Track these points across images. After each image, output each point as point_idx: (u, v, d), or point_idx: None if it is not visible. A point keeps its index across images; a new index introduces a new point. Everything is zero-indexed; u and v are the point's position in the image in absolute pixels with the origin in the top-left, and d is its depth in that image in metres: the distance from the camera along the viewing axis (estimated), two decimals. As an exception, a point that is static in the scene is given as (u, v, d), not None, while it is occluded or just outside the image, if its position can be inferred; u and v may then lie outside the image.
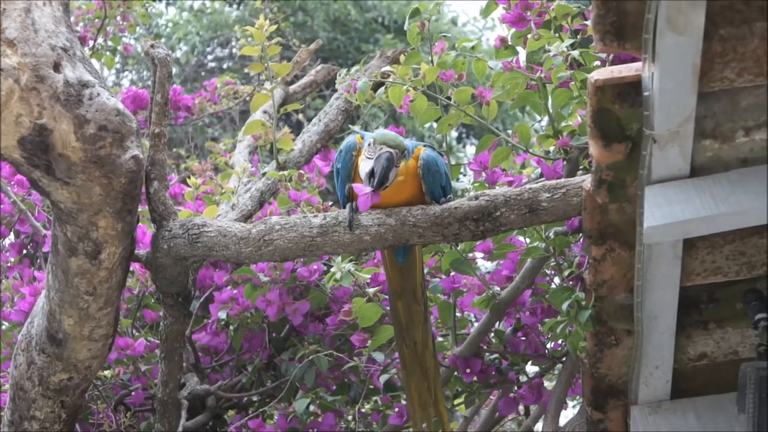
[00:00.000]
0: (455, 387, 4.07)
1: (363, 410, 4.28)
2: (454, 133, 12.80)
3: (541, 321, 3.84)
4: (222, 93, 6.66)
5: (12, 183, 4.92)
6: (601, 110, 2.77)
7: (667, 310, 3.06)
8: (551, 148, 3.65)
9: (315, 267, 4.20)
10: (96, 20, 6.54)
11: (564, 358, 3.95)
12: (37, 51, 3.17)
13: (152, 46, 3.72)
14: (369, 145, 3.33)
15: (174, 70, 3.78)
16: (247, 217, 4.18)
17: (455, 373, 3.98)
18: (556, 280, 3.79)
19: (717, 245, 2.96)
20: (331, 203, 4.41)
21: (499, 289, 3.82)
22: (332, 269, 3.83)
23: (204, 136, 11.14)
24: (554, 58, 3.48)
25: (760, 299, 3.00)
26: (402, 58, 3.81)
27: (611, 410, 3.42)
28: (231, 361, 4.51)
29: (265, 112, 4.77)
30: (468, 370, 3.94)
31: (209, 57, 13.43)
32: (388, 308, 3.90)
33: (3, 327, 4.62)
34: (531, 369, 4.12)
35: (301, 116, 7.81)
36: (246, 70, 7.17)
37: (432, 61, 3.64)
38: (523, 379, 4.05)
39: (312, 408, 4.19)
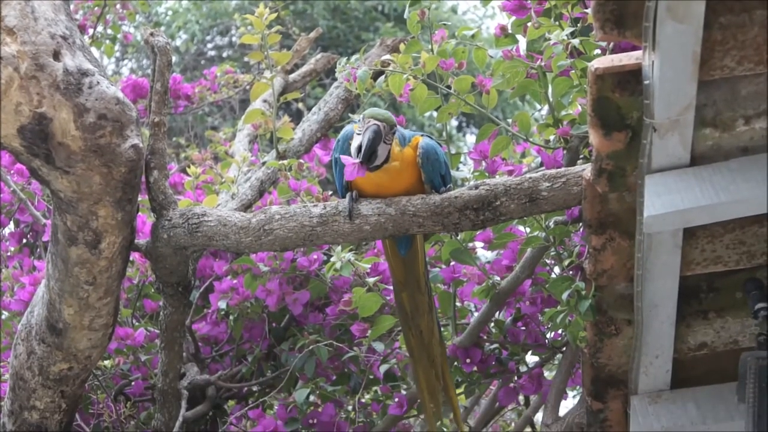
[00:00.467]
0: (455, 377, 4.07)
1: (363, 400, 4.29)
2: (454, 122, 12.79)
3: (541, 311, 3.84)
4: (222, 82, 6.65)
5: (12, 172, 4.91)
6: (601, 99, 2.76)
7: (667, 299, 3.06)
8: (551, 137, 3.64)
9: (315, 257, 4.20)
10: (95, 8, 6.53)
11: (564, 348, 3.95)
12: (36, 39, 3.16)
13: (152, 34, 3.71)
14: (359, 122, 3.33)
15: (174, 59, 3.76)
16: (246, 207, 4.17)
17: (455, 363, 3.98)
18: (556, 269, 3.78)
19: (717, 234, 2.96)
20: (330, 193, 4.41)
21: (499, 278, 3.82)
22: (332, 259, 3.83)
23: (204, 125, 11.13)
24: (554, 47, 3.47)
25: (760, 288, 3.00)
26: (402, 46, 3.80)
27: (611, 400, 3.42)
28: (231, 351, 4.51)
29: (264, 101, 4.76)
30: (468, 360, 3.94)
31: (209, 45, 13.42)
32: (388, 298, 3.91)
33: (3, 316, 4.62)
34: (531, 359, 4.12)
35: (301, 105, 7.81)
36: (246, 59, 7.16)
37: (432, 50, 3.63)
38: (523, 369, 4.05)
39: (312, 398, 4.20)
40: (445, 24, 3.75)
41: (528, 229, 3.69)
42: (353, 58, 3.86)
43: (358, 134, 3.30)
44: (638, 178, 2.80)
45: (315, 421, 4.15)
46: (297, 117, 6.90)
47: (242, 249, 3.48)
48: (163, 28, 12.50)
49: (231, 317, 4.47)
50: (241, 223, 3.43)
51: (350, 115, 3.66)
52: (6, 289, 4.55)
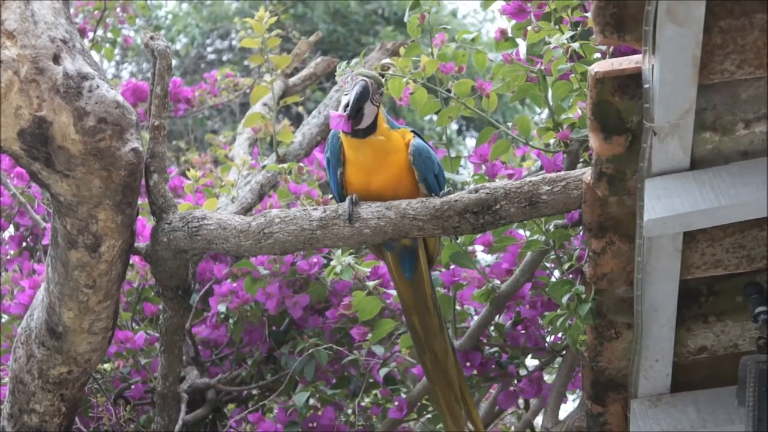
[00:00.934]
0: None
1: (363, 404, 4.28)
2: (454, 126, 12.78)
3: (541, 314, 3.84)
4: (222, 85, 6.65)
5: (11, 175, 4.91)
6: (601, 102, 2.76)
7: (667, 303, 3.06)
8: (551, 141, 3.64)
9: (315, 260, 4.20)
10: (95, 12, 6.54)
11: (564, 352, 3.95)
12: (36, 43, 3.16)
13: (152, 37, 3.71)
14: (347, 76, 3.33)
15: (174, 62, 3.76)
16: (246, 210, 4.18)
17: (455, 365, 3.98)
18: (556, 273, 3.78)
19: (717, 238, 2.96)
20: (330, 196, 4.40)
21: (498, 282, 3.82)
22: (332, 262, 3.83)
23: (204, 128, 11.14)
24: (554, 50, 3.48)
25: (760, 292, 3.00)
26: (402, 50, 3.80)
27: (611, 404, 3.42)
28: (231, 355, 4.51)
29: (264, 104, 4.77)
30: (468, 364, 3.94)
31: (209, 49, 13.42)
32: (388, 301, 3.90)
33: (2, 320, 4.61)
34: (531, 362, 4.12)
35: (301, 108, 7.81)
36: (246, 62, 7.16)
37: (432, 54, 3.63)
38: (522, 372, 4.05)
39: (312, 401, 4.19)
40: (445, 27, 3.76)
41: (528, 233, 3.69)
42: (353, 61, 3.86)
43: (346, 95, 3.28)
44: (638, 182, 2.80)
45: (315, 424, 4.15)
46: (297, 120, 6.90)
47: (242, 252, 3.48)
48: (163, 32, 12.50)
49: (231, 320, 4.47)
50: (241, 226, 3.43)
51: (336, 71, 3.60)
52: (6, 292, 4.54)
